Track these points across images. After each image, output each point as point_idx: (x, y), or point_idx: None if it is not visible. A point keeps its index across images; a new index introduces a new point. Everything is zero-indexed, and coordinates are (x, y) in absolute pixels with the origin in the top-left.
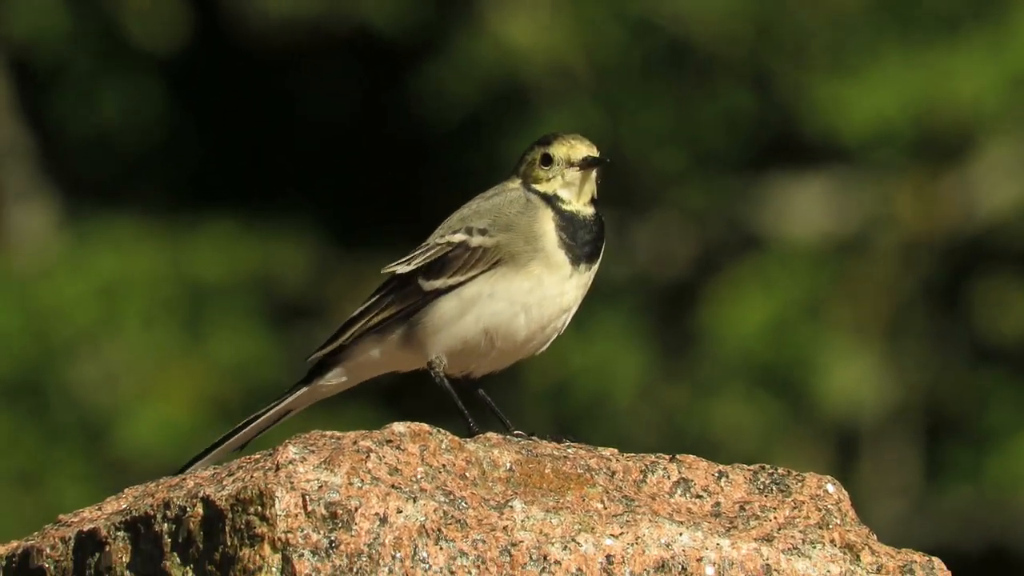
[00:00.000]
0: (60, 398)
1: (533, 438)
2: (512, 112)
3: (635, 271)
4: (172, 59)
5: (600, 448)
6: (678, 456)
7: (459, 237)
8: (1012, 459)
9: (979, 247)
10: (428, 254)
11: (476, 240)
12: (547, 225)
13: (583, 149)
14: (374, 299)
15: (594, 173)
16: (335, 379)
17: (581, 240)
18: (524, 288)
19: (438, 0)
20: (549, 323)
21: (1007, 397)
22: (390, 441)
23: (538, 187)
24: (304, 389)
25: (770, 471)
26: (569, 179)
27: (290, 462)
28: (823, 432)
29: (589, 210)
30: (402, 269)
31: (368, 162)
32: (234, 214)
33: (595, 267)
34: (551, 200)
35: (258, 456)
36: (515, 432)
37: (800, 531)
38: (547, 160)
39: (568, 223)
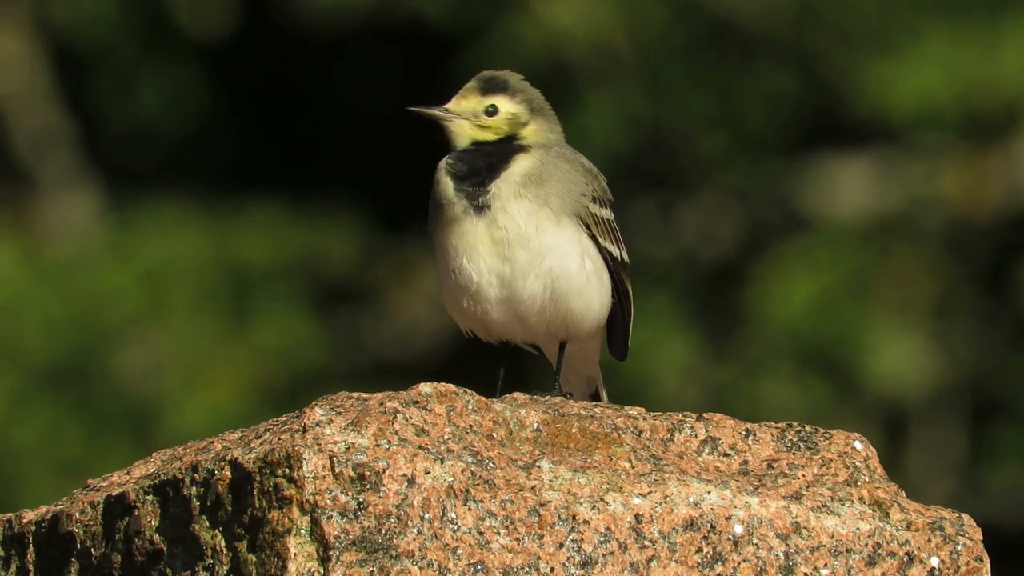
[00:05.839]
0: (106, 386)
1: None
2: (555, 94)
3: (680, 252)
4: (216, 46)
5: (627, 407)
6: (705, 415)
7: None
8: None
9: None
10: None
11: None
12: (441, 174)
13: (456, 99)
14: None
15: (477, 117)
16: None
17: (462, 171)
18: (449, 232)
19: None
20: (493, 260)
21: None
22: (416, 402)
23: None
24: None
25: (797, 428)
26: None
27: (317, 424)
28: (870, 411)
29: (468, 145)
30: None
31: (414, 147)
32: (279, 198)
33: (503, 184)
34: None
35: (285, 418)
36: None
37: (828, 488)
38: None
39: (456, 160)
